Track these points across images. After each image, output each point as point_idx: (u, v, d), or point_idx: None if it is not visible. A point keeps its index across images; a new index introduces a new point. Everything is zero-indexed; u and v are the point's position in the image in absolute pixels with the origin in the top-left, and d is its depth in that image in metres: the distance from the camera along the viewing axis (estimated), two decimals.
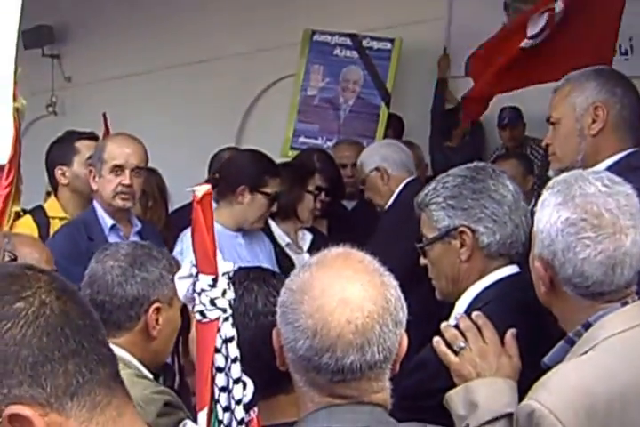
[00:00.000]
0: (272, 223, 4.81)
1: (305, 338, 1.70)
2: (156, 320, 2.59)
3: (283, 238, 4.82)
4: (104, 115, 5.02)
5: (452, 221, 2.54)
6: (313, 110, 7.50)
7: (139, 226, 4.29)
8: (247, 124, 8.39)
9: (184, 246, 4.16)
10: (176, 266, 2.64)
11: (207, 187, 1.78)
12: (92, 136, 4.61)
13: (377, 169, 4.90)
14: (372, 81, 7.34)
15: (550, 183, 2.22)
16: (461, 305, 2.55)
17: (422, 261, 2.69)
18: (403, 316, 1.77)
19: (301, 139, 7.37)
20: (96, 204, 4.21)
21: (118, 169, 4.14)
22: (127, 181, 4.13)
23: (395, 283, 1.79)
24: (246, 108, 8.31)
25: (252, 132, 8.26)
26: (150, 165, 4.49)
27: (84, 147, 4.48)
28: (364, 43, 7.38)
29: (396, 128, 7.25)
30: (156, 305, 2.59)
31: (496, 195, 2.55)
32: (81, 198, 4.45)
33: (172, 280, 2.32)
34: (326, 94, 7.47)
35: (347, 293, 1.71)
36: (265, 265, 3.99)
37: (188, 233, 3.97)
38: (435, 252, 2.61)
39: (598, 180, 2.14)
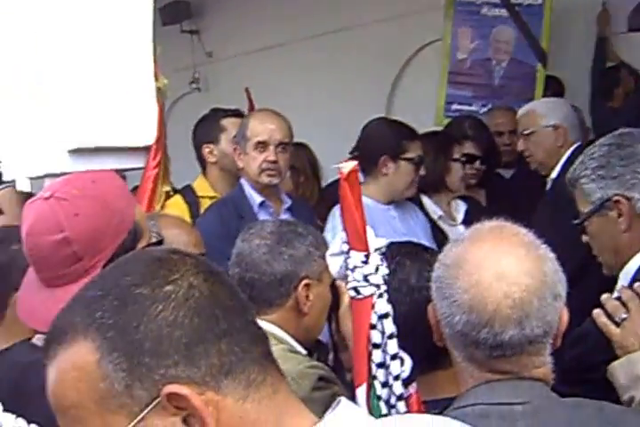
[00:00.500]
0: (423, 197, 4.84)
1: (461, 313, 1.74)
2: (307, 296, 2.65)
3: (435, 211, 4.83)
4: (247, 90, 5.11)
5: (604, 192, 2.54)
6: (465, 75, 7.34)
7: (289, 202, 4.37)
8: (396, 94, 8.36)
9: (335, 223, 4.21)
10: (323, 242, 2.72)
11: (353, 163, 1.85)
12: (237, 113, 4.71)
13: (555, 126, 4.76)
14: (525, 40, 7.10)
15: None
16: (625, 276, 2.55)
17: (584, 238, 2.69)
18: (562, 289, 1.79)
19: (454, 106, 7.23)
20: (243, 181, 4.31)
21: (262, 145, 4.23)
22: (272, 158, 4.21)
23: (552, 255, 1.81)
24: (394, 77, 8.28)
25: (402, 101, 8.21)
26: (296, 139, 4.55)
27: (231, 124, 4.58)
28: None
29: (555, 91, 7.11)
30: (305, 281, 2.65)
31: None
32: (230, 176, 4.55)
33: (320, 256, 2.40)
34: (477, 57, 7.30)
35: (502, 267, 1.74)
36: (420, 238, 4.07)
37: (338, 209, 4.08)
38: (593, 226, 2.61)
39: None
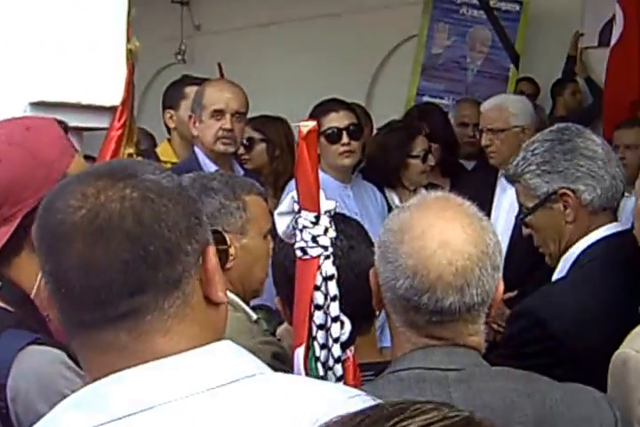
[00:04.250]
0: (385, 188, 4.81)
1: (405, 278, 1.72)
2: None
3: (393, 200, 4.78)
4: (219, 64, 5.05)
5: (550, 186, 2.56)
6: (438, 69, 7.47)
7: (241, 173, 4.27)
8: (377, 82, 8.31)
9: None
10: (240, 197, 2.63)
11: (313, 123, 1.79)
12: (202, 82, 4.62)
13: (523, 128, 4.64)
14: (500, 42, 7.28)
15: None
16: (566, 261, 2.58)
17: (525, 231, 2.72)
18: (500, 260, 1.79)
19: (425, 98, 7.30)
20: (197, 150, 4.23)
21: (219, 114, 4.15)
22: (228, 126, 4.14)
23: (493, 228, 1.81)
24: (377, 66, 8.25)
25: (383, 90, 8.18)
26: (277, 114, 4.64)
27: (192, 92, 4.43)
28: (492, 3, 7.32)
29: (531, 91, 7.15)
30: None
31: (587, 151, 2.57)
32: (188, 144, 4.47)
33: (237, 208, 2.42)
34: (452, 53, 7.44)
35: (447, 234, 1.73)
36: (373, 220, 4.15)
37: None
38: (539, 219, 2.63)
39: None
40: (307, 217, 1.82)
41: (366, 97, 7.97)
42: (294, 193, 1.84)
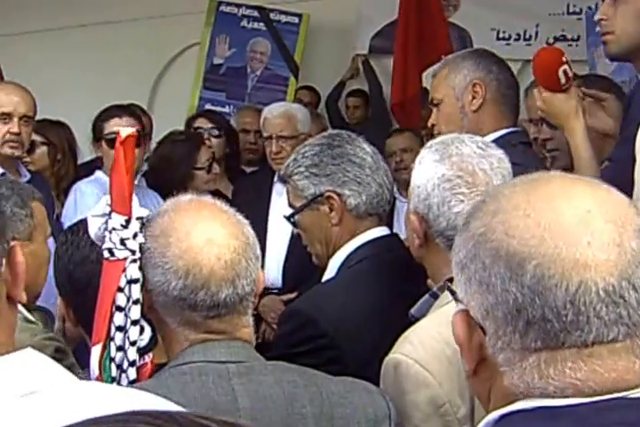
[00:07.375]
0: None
1: (178, 278, 1.75)
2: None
3: None
4: None
5: (317, 188, 2.58)
6: (220, 79, 7.56)
7: (27, 176, 4.19)
8: (159, 88, 8.28)
9: (77, 196, 4.29)
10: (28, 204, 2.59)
11: (132, 129, 1.81)
12: None
13: (308, 136, 4.55)
14: (279, 53, 7.44)
15: (428, 144, 2.30)
16: (335, 263, 2.62)
17: (295, 230, 2.75)
18: (259, 251, 1.86)
19: (207, 106, 7.34)
20: None
21: (6, 117, 4.06)
22: (15, 129, 4.04)
23: (247, 222, 1.87)
24: (158, 72, 8.21)
25: (163, 97, 8.16)
26: (59, 119, 4.62)
27: None
28: (272, 16, 7.46)
29: (312, 99, 7.37)
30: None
31: (355, 158, 2.59)
32: None
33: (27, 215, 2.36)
34: (233, 64, 7.54)
35: (210, 231, 1.77)
36: None
37: (80, 184, 4.32)
38: (305, 219, 2.64)
39: (474, 142, 2.23)
40: (117, 220, 1.82)
41: (147, 105, 7.91)
42: (108, 196, 1.84)
